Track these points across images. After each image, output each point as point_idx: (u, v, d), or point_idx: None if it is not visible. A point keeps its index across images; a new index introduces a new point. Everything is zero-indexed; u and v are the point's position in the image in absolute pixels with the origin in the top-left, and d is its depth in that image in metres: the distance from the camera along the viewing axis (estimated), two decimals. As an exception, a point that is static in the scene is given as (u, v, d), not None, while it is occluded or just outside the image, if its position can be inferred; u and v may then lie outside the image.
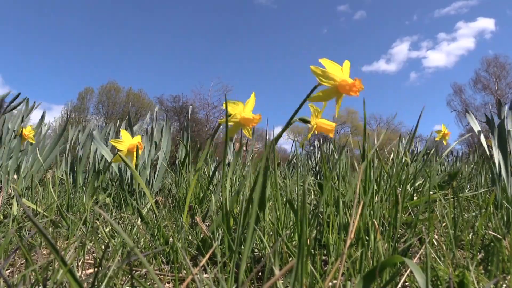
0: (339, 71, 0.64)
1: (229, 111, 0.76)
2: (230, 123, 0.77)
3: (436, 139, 1.98)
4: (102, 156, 1.81)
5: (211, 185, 1.20)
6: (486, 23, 25.52)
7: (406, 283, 0.51)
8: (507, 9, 25.54)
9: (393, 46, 29.87)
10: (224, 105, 0.74)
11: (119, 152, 1.02)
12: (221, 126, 0.80)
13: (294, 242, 0.66)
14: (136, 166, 1.08)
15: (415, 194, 1.04)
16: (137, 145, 1.08)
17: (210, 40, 29.33)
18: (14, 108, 1.52)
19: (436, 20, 27.47)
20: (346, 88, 0.63)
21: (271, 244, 0.63)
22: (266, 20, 29.85)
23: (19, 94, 1.63)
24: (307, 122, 0.76)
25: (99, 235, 0.76)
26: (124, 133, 1.13)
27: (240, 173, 1.25)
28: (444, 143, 1.95)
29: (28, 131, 1.63)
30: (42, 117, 1.82)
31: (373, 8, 28.99)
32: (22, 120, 1.59)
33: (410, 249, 0.65)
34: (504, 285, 0.45)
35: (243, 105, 0.76)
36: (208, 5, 29.82)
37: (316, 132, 0.78)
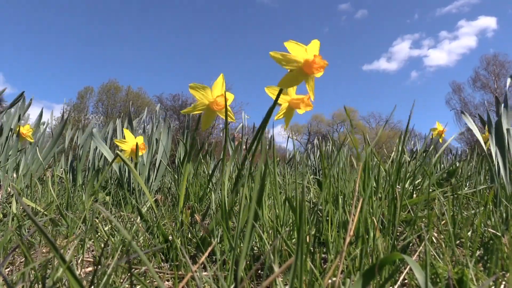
0: (302, 52, 0.61)
1: (197, 97, 0.71)
2: (200, 111, 0.73)
3: (431, 137, 1.97)
4: (102, 154, 1.81)
5: (210, 183, 1.20)
6: (488, 22, 25.57)
7: (405, 281, 0.51)
8: (509, 7, 25.57)
9: (394, 44, 29.93)
10: (190, 89, 0.70)
11: (119, 151, 1.02)
12: (201, 117, 0.76)
13: (293, 240, 0.66)
14: (135, 164, 1.08)
15: (414, 192, 1.04)
16: (137, 145, 1.08)
17: (210, 38, 29.33)
18: (12, 105, 1.52)
19: (438, 18, 27.53)
20: (309, 67, 0.60)
21: (270, 242, 0.63)
22: (267, 19, 29.88)
23: (23, 93, 1.63)
24: (279, 104, 0.72)
25: (99, 234, 0.76)
26: (127, 133, 1.13)
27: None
28: (440, 140, 1.95)
29: (26, 130, 1.62)
30: (40, 115, 1.82)
31: (375, 7, 29.03)
32: (19, 119, 1.59)
33: (410, 247, 0.65)
34: (503, 282, 0.45)
35: (210, 90, 0.72)
36: (209, 3, 29.79)
37: (299, 111, 0.74)
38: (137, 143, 1.08)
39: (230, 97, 0.76)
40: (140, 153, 1.11)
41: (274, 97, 0.69)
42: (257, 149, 0.66)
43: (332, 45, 28.71)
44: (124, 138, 1.13)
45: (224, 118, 0.72)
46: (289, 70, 0.63)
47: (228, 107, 0.71)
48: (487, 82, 18.78)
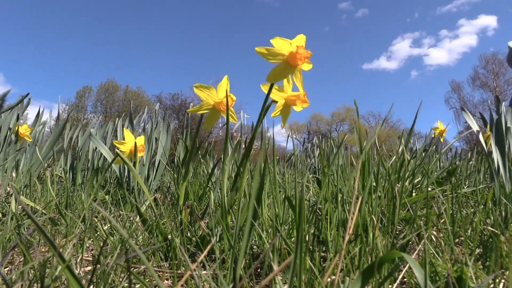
0: (287, 46, 0.61)
1: (202, 97, 0.72)
2: (205, 111, 0.74)
3: (433, 136, 1.97)
4: (101, 154, 1.81)
5: (210, 183, 1.20)
6: (488, 20, 25.62)
7: (405, 279, 0.52)
8: (509, 6, 25.60)
9: (394, 43, 29.97)
10: (195, 89, 0.71)
11: (119, 152, 1.02)
12: (203, 117, 0.77)
13: (292, 239, 0.66)
14: (134, 163, 1.08)
15: (413, 191, 1.04)
16: (135, 146, 1.08)
17: (210, 37, 29.30)
18: (13, 107, 1.51)
19: (438, 17, 27.58)
20: (293, 59, 0.60)
21: (269, 241, 0.63)
22: (267, 18, 29.88)
23: (27, 94, 1.62)
24: (275, 101, 0.72)
25: (98, 233, 0.76)
26: (127, 134, 1.12)
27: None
28: (441, 139, 1.94)
29: (24, 129, 1.62)
30: (38, 114, 1.82)
31: (375, 5, 29.04)
32: (18, 118, 1.58)
33: (409, 245, 0.65)
34: (503, 281, 0.45)
35: (215, 90, 0.72)
36: (209, 2, 29.75)
37: (296, 108, 0.74)
38: (135, 143, 1.07)
39: (233, 98, 0.76)
40: (139, 155, 1.10)
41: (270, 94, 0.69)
42: (256, 147, 0.66)
43: (332, 44, 28.74)
44: (124, 139, 1.12)
45: (227, 118, 0.73)
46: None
47: (231, 108, 0.71)
48: (486, 81, 18.79)
